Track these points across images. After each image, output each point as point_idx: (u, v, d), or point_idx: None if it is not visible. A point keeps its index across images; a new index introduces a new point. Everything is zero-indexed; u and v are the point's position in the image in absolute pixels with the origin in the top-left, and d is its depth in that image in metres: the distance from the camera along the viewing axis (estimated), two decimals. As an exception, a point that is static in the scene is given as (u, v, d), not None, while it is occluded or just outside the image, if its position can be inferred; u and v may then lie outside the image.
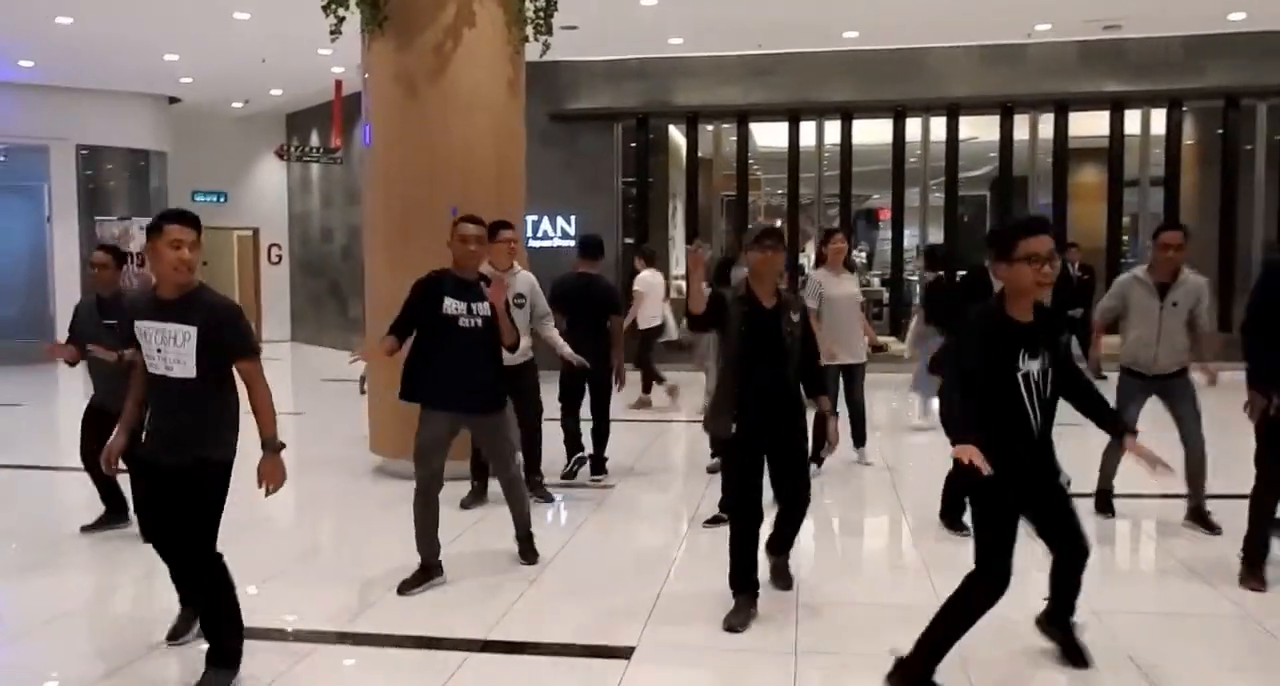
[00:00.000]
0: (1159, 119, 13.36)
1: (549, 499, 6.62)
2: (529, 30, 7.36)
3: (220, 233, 18.20)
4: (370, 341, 5.34)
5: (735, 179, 14.35)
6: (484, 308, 4.86)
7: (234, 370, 3.70)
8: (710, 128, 14.42)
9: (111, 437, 3.91)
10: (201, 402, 3.63)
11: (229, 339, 3.65)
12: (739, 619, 4.36)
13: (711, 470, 7.27)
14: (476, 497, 6.48)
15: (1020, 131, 13.64)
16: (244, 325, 3.74)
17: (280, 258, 19.12)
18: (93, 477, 5.81)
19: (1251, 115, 13.27)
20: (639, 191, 14.39)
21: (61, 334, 6.39)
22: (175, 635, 4.15)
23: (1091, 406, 3.72)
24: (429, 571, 4.90)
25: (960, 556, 4.13)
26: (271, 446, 3.67)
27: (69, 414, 11.02)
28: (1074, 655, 3.87)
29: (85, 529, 5.89)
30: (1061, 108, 13.38)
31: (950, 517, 5.75)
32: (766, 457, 4.46)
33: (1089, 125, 13.54)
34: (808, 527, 5.10)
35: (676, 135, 15.29)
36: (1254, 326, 4.82)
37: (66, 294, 15.59)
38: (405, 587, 4.82)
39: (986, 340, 3.52)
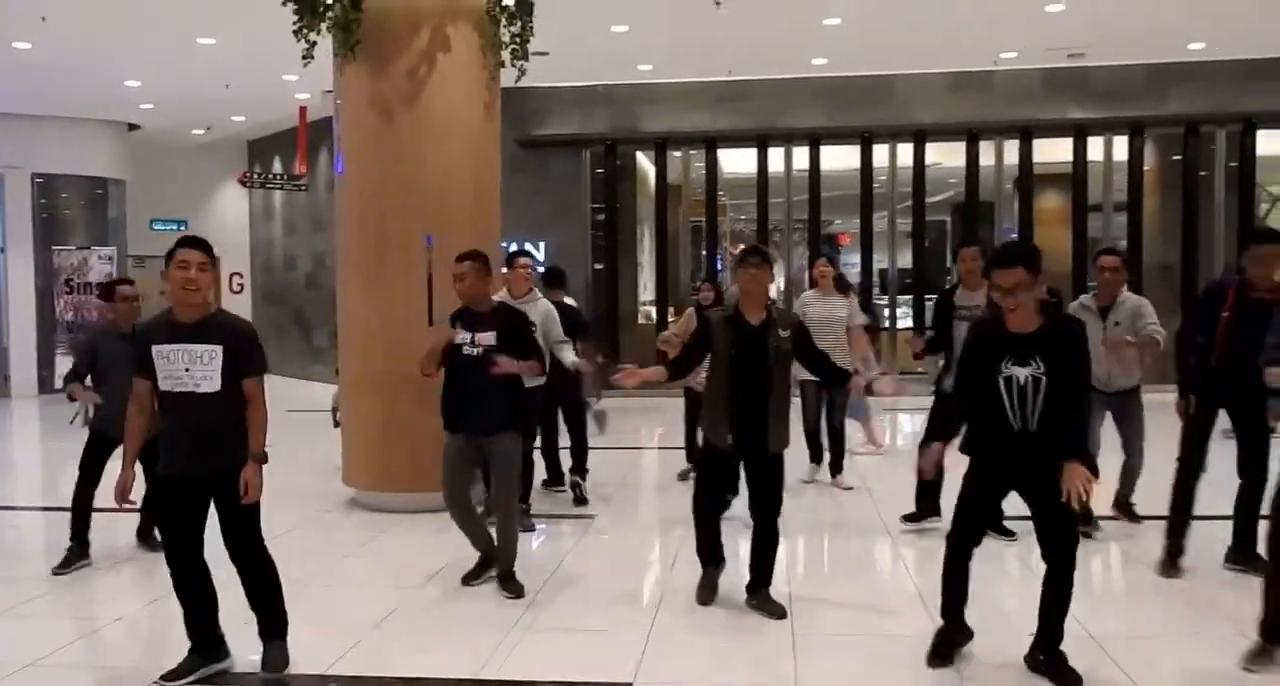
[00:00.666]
0: (1121, 145, 13.53)
1: (530, 528, 6.54)
2: (505, 55, 7.28)
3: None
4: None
5: (704, 205, 14.34)
6: (486, 337, 5.18)
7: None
8: (679, 154, 14.40)
9: (121, 475, 4.14)
10: (227, 414, 4.01)
11: (246, 357, 4.05)
12: (706, 593, 5.02)
13: (683, 476, 7.76)
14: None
15: (986, 157, 13.76)
16: (259, 346, 4.15)
17: (242, 286, 18.80)
18: (76, 512, 5.84)
19: (1211, 141, 13.49)
20: (608, 218, 14.33)
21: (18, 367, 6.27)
22: (174, 676, 4.09)
23: (1069, 423, 3.93)
24: (490, 561, 5.39)
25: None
26: (258, 458, 4.03)
27: (20, 452, 10.82)
28: (1066, 677, 3.96)
29: (57, 571, 5.75)
30: (1026, 134, 13.52)
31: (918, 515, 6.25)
32: (744, 467, 4.92)
33: (1053, 151, 13.69)
34: (797, 558, 5.25)
35: (645, 162, 15.28)
36: (1180, 340, 5.42)
37: (21, 326, 15.23)
38: (468, 579, 5.38)
39: (976, 346, 4.07)
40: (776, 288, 14.52)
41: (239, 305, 18.63)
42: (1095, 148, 13.58)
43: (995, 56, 12.39)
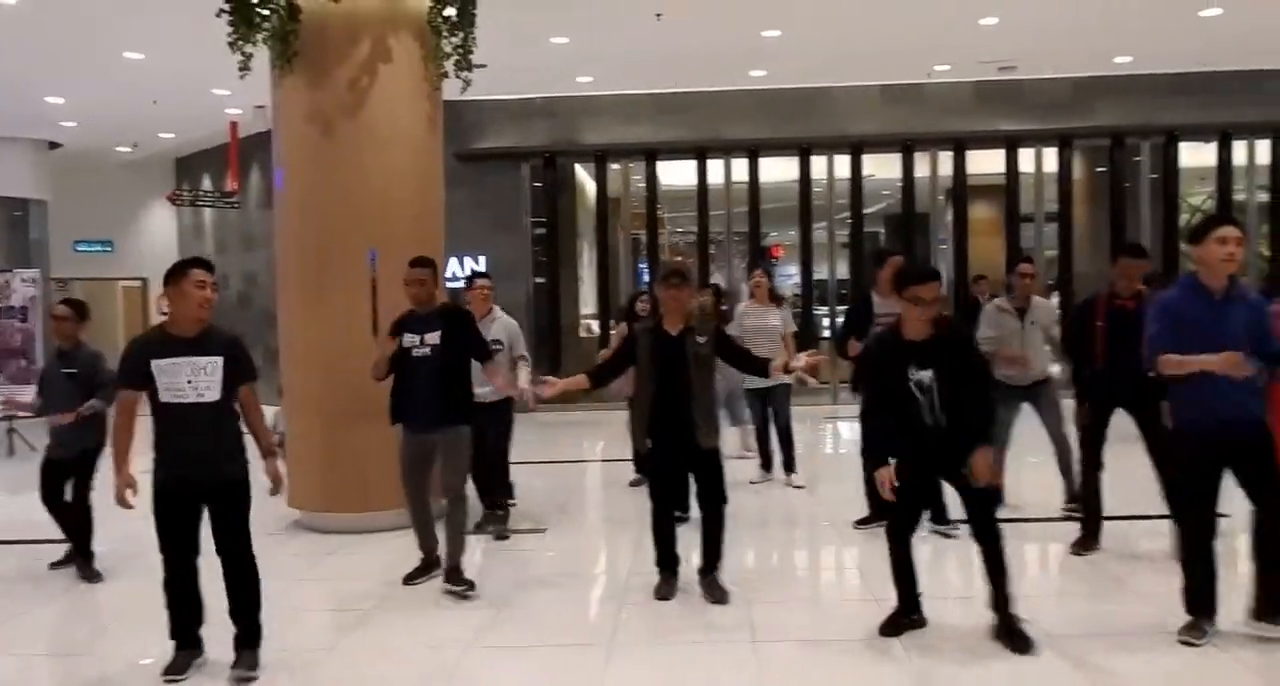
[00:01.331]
0: (1051, 157, 13.81)
1: (505, 536, 6.72)
2: (448, 66, 7.18)
3: (104, 284, 17.38)
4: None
5: (644, 217, 14.33)
6: (433, 337, 5.43)
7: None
8: (618, 166, 14.37)
9: (119, 478, 4.25)
10: (225, 423, 4.28)
11: (245, 366, 4.36)
12: (666, 590, 5.27)
13: (634, 484, 7.93)
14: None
15: (921, 169, 13.95)
16: (249, 354, 4.44)
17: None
18: (58, 518, 6.16)
19: (1136, 153, 13.84)
20: (548, 231, 14.24)
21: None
22: (177, 670, 4.33)
23: (965, 416, 4.40)
24: (430, 565, 5.65)
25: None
26: (275, 453, 4.52)
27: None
28: (1014, 639, 4.37)
29: (54, 565, 6.22)
30: (959, 146, 13.73)
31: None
32: (687, 467, 5.30)
33: (986, 163, 13.93)
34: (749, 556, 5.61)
35: (584, 174, 15.23)
36: (1066, 347, 6.02)
37: (-61, 350, 14.64)
38: (409, 579, 5.61)
39: (883, 357, 4.54)
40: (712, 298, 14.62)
41: (168, 326, 18.11)
42: (1026, 159, 13.84)
43: (930, 69, 12.58)
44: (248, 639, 4.40)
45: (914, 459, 4.50)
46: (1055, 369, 6.78)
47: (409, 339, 5.47)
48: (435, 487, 5.69)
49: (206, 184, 16.79)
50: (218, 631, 4.44)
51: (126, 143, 15.82)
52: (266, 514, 7.29)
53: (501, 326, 6.76)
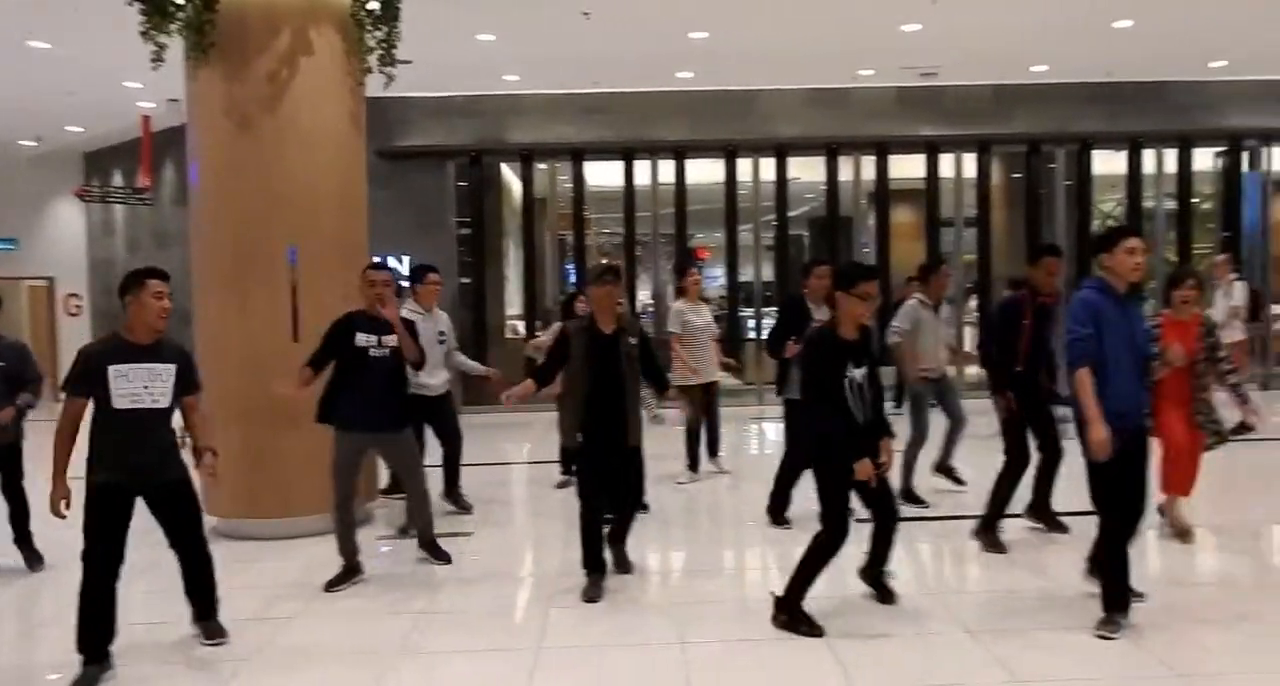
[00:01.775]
0: (971, 162, 14.08)
1: (469, 509, 7.39)
2: (372, 61, 7.03)
3: (8, 284, 16.70)
4: (289, 374, 5.76)
5: (570, 218, 14.25)
6: (391, 339, 5.58)
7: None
8: (544, 166, 14.26)
9: (57, 489, 4.29)
10: (167, 428, 4.45)
11: (193, 374, 4.60)
12: (595, 591, 5.30)
13: (561, 485, 8.10)
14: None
15: (845, 172, 14.10)
16: (195, 365, 4.67)
17: (80, 308, 17.67)
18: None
19: (1052, 159, 14.18)
20: (473, 231, 14.07)
21: None
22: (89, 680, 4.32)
23: (876, 411, 4.78)
24: (352, 571, 5.65)
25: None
26: (214, 451, 4.61)
27: None
28: (884, 595, 5.05)
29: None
30: (882, 150, 13.91)
31: (775, 515, 6.79)
32: (615, 464, 5.38)
33: (908, 167, 14.13)
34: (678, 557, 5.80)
35: (510, 174, 15.10)
36: (990, 348, 6.25)
37: None
38: (331, 586, 5.53)
39: (825, 356, 4.66)
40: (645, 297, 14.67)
41: (77, 329, 17.51)
42: (947, 165, 14.08)
43: (854, 73, 12.72)
44: (209, 609, 4.73)
45: (847, 455, 4.64)
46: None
47: (364, 339, 5.56)
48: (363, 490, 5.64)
49: (118, 180, 16.25)
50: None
51: (30, 137, 15.22)
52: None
53: (445, 320, 7.30)
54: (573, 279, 14.56)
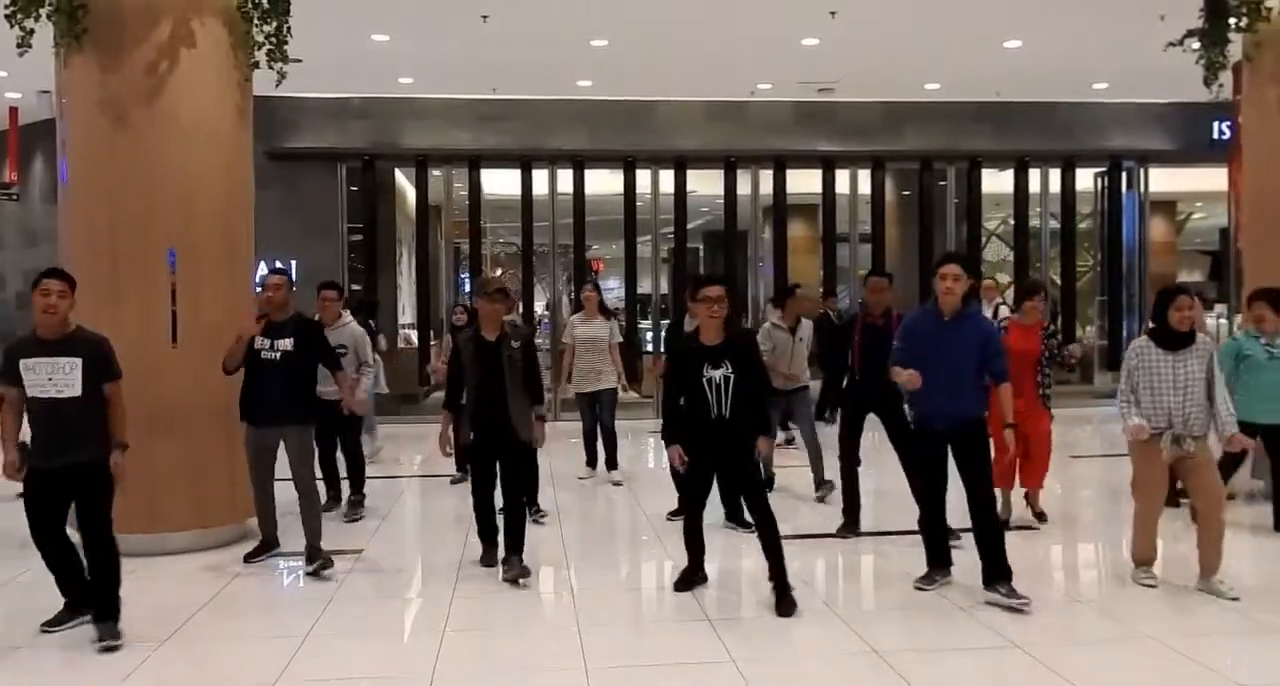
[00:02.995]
0: (865, 178, 14.28)
1: (359, 518, 7.39)
2: (261, 56, 6.71)
3: None
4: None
5: (467, 226, 13.97)
6: (285, 343, 5.86)
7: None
8: (439, 172, 13.95)
9: (4, 457, 4.84)
10: (86, 416, 4.77)
11: (105, 366, 4.85)
12: (489, 559, 5.97)
13: (455, 481, 8.32)
14: (333, 503, 7.42)
15: (742, 186, 14.14)
16: (113, 355, 4.92)
17: (-62, 309, 16.61)
18: None
19: (943, 177, 14.49)
20: (365, 237, 13.69)
21: None
22: (55, 623, 4.91)
23: (754, 410, 5.27)
24: (269, 544, 6.16)
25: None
26: (123, 447, 4.88)
27: None
28: (783, 605, 5.08)
29: None
30: (780, 164, 14.00)
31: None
32: (504, 458, 5.85)
33: (805, 182, 14.25)
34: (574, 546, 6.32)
35: (404, 179, 14.74)
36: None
37: None
38: (250, 557, 6.09)
39: (679, 358, 5.37)
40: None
41: (-67, 329, 16.45)
42: (842, 180, 14.24)
43: (753, 87, 12.78)
44: (107, 612, 4.79)
45: (701, 446, 5.26)
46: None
47: (259, 342, 5.86)
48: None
49: (-19, 175, 15.34)
50: None
51: (-116, 126, 14.26)
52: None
53: (348, 333, 7.41)
54: (467, 288, 14.27)
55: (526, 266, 14.06)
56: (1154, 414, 5.32)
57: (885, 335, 6.18)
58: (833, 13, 9.19)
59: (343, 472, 7.60)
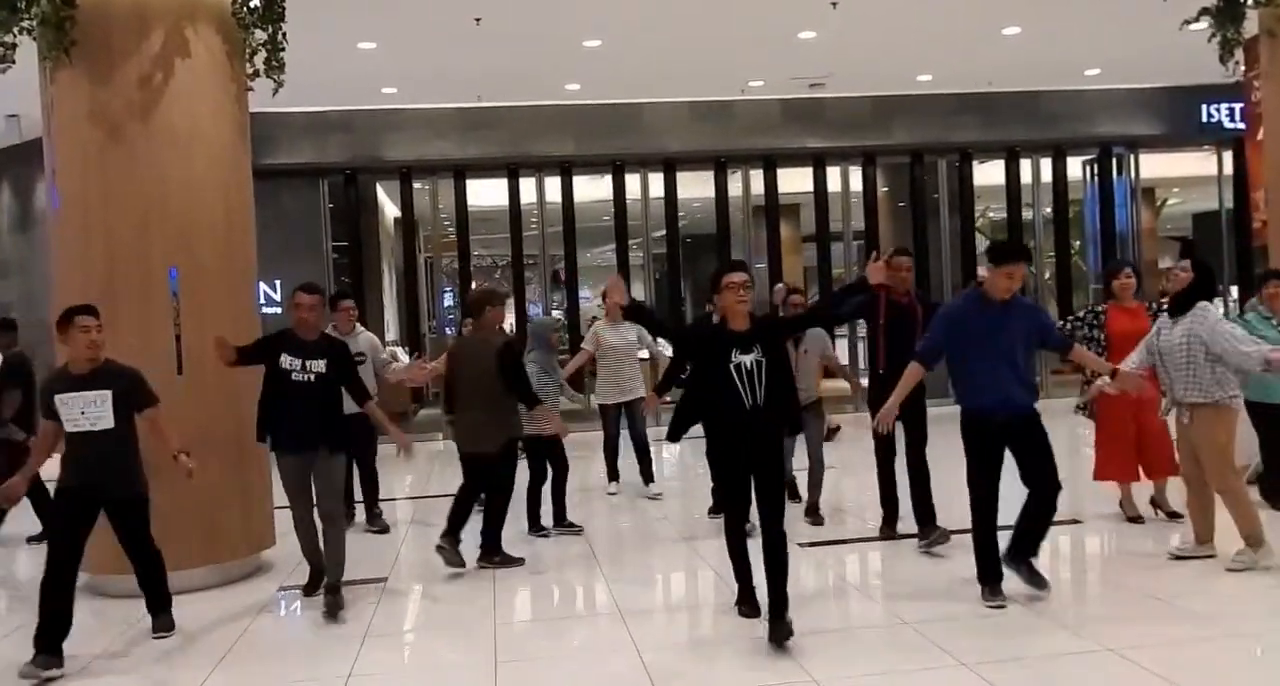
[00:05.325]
0: (856, 174, 14.09)
1: (385, 529, 7.50)
2: (259, 63, 6.38)
3: None
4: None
5: (452, 239, 13.63)
6: (318, 365, 5.53)
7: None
8: (422, 185, 13.60)
9: (18, 482, 5.02)
10: (119, 447, 4.92)
11: (137, 395, 4.98)
12: (451, 556, 6.15)
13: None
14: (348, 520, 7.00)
15: (734, 187, 13.90)
16: (145, 383, 5.05)
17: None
18: None
19: (935, 170, 14.32)
20: (349, 253, 13.32)
21: None
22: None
23: (787, 400, 4.81)
24: (320, 574, 5.72)
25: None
26: (183, 452, 5.02)
27: None
28: (779, 632, 4.52)
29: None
30: (770, 163, 13.78)
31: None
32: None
33: (796, 181, 14.03)
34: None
35: (388, 193, 14.38)
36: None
37: None
38: (308, 591, 5.82)
39: (702, 345, 4.85)
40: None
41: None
42: (833, 177, 14.03)
43: (745, 84, 12.55)
44: (160, 603, 5.15)
45: (733, 438, 4.68)
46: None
47: (288, 361, 5.51)
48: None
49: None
50: None
51: None
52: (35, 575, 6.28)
53: (365, 341, 7.44)
54: (449, 302, 13.91)
55: (517, 276, 13.75)
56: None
57: (911, 318, 5.96)
58: (834, 3, 8.96)
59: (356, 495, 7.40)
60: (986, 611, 4.91)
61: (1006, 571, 5.05)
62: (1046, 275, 14.97)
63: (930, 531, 6.04)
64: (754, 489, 4.68)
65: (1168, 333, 5.49)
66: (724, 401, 4.62)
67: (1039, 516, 5.07)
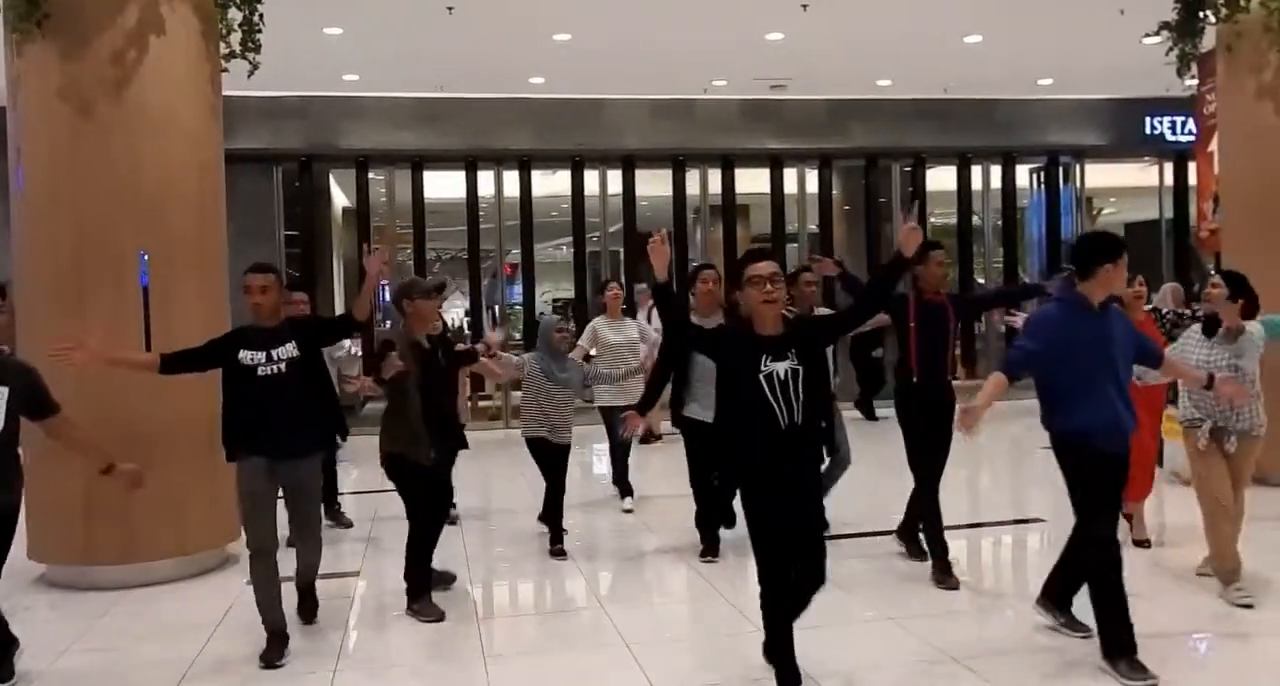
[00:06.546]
0: (813, 176, 14.21)
1: (349, 524, 7.30)
2: (235, 44, 6.26)
3: None
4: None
5: (408, 230, 13.46)
6: (286, 350, 4.73)
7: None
8: (379, 175, 13.42)
9: None
10: (5, 452, 4.30)
11: (32, 396, 4.35)
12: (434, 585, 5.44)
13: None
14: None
15: (691, 185, 13.94)
16: (39, 387, 4.39)
17: None
18: None
19: (889, 173, 14.51)
20: (302, 242, 13.09)
21: None
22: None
23: (829, 414, 4.42)
24: (282, 639, 4.67)
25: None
26: (110, 465, 4.52)
27: None
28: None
29: None
30: (728, 163, 13.84)
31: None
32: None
33: (753, 181, 14.11)
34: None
35: (344, 181, 14.14)
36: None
37: None
38: (268, 662, 4.53)
39: (728, 352, 4.02)
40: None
41: None
42: (790, 179, 14.14)
43: (709, 83, 12.58)
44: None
45: (765, 462, 3.87)
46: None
47: (249, 357, 4.68)
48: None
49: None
50: None
51: None
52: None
53: None
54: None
55: (473, 270, 13.64)
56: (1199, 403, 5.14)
57: (944, 318, 5.43)
58: (804, 5, 9.03)
59: None
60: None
61: (1047, 618, 4.64)
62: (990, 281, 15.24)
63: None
64: (796, 532, 3.89)
65: (1205, 352, 5.10)
66: (754, 420, 3.81)
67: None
